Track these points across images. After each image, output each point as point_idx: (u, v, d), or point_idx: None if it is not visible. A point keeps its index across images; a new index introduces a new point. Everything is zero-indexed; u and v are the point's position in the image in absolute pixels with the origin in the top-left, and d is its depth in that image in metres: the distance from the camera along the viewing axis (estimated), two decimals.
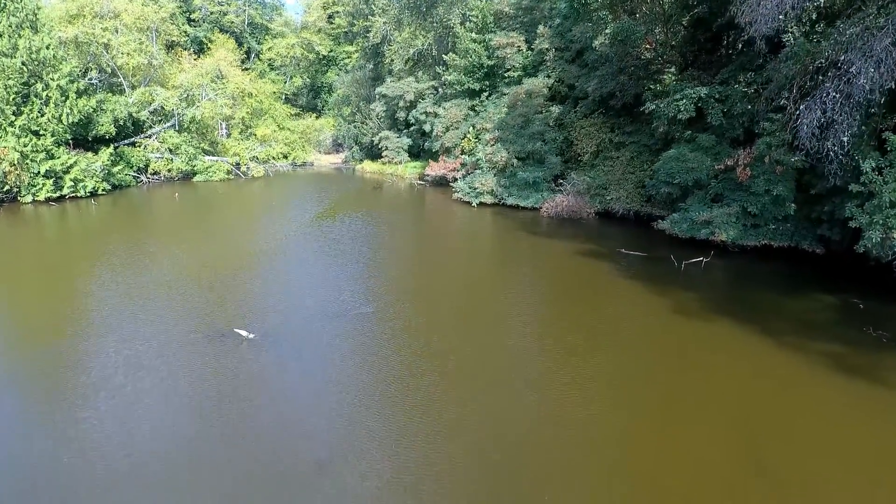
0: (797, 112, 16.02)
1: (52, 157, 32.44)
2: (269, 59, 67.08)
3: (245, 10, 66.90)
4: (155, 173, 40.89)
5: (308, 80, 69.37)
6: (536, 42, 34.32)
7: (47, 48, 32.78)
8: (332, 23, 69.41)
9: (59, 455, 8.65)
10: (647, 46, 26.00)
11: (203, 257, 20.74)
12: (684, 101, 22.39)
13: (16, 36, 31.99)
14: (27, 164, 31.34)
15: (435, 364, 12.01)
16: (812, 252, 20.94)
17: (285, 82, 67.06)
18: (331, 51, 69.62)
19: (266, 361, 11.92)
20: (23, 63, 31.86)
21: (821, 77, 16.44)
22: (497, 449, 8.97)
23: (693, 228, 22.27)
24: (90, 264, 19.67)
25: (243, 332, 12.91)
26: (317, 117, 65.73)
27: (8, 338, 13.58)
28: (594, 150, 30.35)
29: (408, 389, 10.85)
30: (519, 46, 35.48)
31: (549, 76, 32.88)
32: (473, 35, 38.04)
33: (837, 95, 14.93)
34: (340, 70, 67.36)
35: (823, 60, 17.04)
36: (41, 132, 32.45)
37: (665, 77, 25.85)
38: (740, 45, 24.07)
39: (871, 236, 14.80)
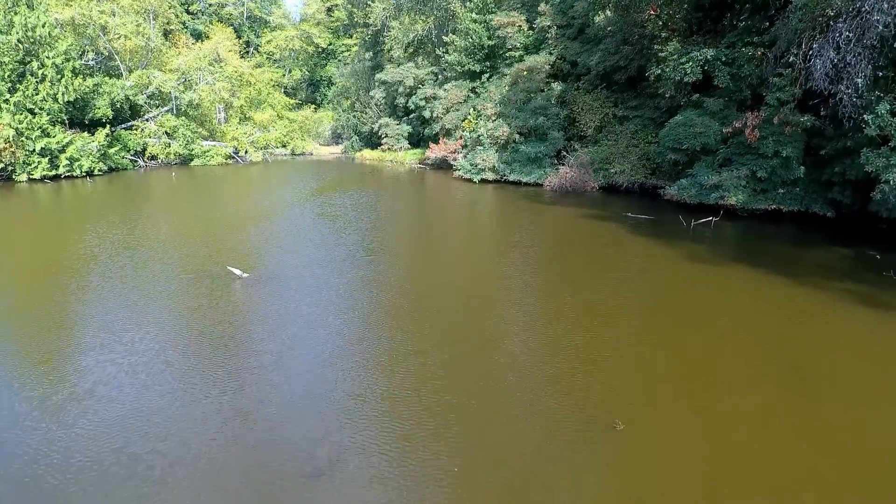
0: (810, 53, 15.52)
1: (47, 136, 31.99)
2: (269, 52, 66.81)
3: (244, 3, 66.73)
4: (152, 157, 40.41)
5: (307, 73, 69.08)
6: (538, 20, 33.93)
7: (43, 26, 32.41)
8: (331, 16, 69.23)
9: (38, 358, 8.12)
10: (652, 13, 25.58)
11: (201, 219, 20.29)
12: (690, 63, 21.93)
13: (11, 13, 31.66)
14: (22, 141, 30.87)
15: (435, 293, 11.49)
16: (823, 216, 20.45)
17: (284, 75, 66.76)
18: (330, 44, 69.38)
19: (258, 293, 11.41)
20: (18, 40, 31.48)
21: (832, 23, 15.96)
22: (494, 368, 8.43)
23: (702, 193, 21.77)
24: (87, 224, 19.22)
25: (237, 271, 12.38)
26: (315, 110, 65.38)
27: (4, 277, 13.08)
28: (597, 125, 29.90)
29: (408, 313, 10.32)
30: (520, 26, 35.07)
31: (550, 53, 32.46)
32: (474, 15, 37.67)
33: (851, 35, 14.45)
34: (339, 63, 67.05)
35: (832, 10, 16.59)
36: (36, 110, 32.02)
37: (669, 46, 25.39)
38: (746, 13, 23.65)
39: (889, 179, 14.29)
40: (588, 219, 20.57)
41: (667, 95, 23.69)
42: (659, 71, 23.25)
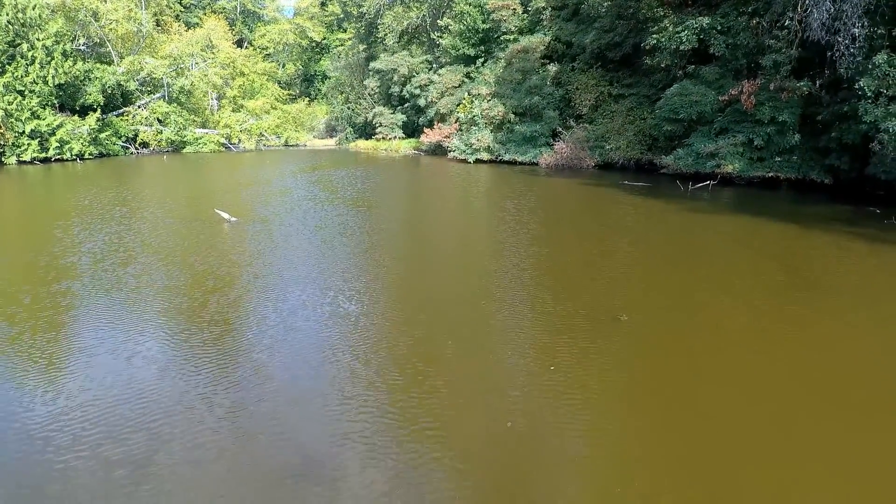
0: (807, 2, 15.40)
1: (37, 118, 31.54)
2: (262, 46, 66.49)
3: None
4: (144, 144, 39.93)
5: (301, 67, 68.78)
6: (532, 2, 33.86)
7: (34, 8, 32.03)
8: (325, 10, 69.08)
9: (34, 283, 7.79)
10: None
11: (193, 185, 19.96)
12: (686, 31, 21.84)
13: None
14: (11, 122, 30.41)
15: (431, 233, 11.23)
16: (821, 182, 20.32)
17: (278, 70, 66.40)
18: (324, 38, 69.14)
19: (245, 231, 11.10)
20: (8, 21, 31.07)
21: None
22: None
23: (698, 162, 21.63)
24: (79, 188, 18.87)
25: (225, 214, 12.08)
26: (309, 104, 65.04)
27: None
28: (593, 104, 29.72)
29: (405, 244, 10.04)
30: (514, 9, 35.00)
31: (545, 35, 32.35)
32: None
33: None
34: (334, 56, 66.78)
35: None
36: (26, 92, 31.57)
37: (665, 21, 25.29)
38: None
39: (889, 127, 14.15)
40: (584, 186, 20.38)
41: (662, 65, 23.57)
42: (654, 41, 23.12)
